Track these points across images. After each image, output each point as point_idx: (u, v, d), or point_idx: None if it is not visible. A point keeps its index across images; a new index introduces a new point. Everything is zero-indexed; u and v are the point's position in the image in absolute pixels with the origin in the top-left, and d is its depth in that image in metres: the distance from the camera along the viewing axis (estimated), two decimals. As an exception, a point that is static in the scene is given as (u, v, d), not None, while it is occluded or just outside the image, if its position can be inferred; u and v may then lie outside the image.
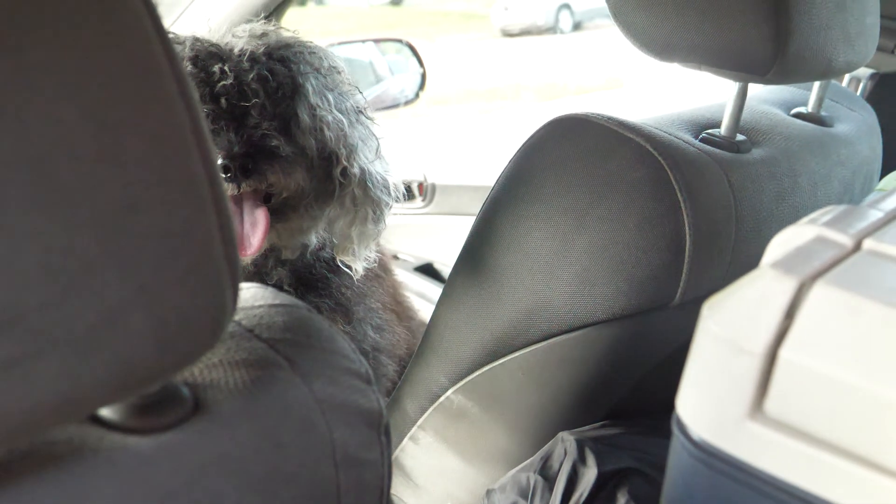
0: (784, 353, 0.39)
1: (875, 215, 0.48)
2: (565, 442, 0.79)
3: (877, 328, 0.38)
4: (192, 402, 0.40)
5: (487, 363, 0.87)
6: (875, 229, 0.46)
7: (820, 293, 0.39)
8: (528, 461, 0.81)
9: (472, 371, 0.89)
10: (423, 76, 1.60)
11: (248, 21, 0.84)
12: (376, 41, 1.74)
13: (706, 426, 0.42)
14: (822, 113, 0.98)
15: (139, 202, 0.33)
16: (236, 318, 0.44)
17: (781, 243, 0.46)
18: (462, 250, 0.90)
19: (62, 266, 0.31)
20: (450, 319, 0.92)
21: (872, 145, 1.02)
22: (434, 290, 1.75)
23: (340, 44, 1.67)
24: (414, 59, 1.76)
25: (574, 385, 0.85)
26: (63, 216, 0.31)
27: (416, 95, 1.70)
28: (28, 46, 0.30)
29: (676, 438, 0.45)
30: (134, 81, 0.33)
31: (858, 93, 1.21)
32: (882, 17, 1.10)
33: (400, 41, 1.70)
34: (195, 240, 0.35)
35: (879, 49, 1.13)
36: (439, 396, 0.93)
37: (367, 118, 0.89)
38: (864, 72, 1.19)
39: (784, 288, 0.40)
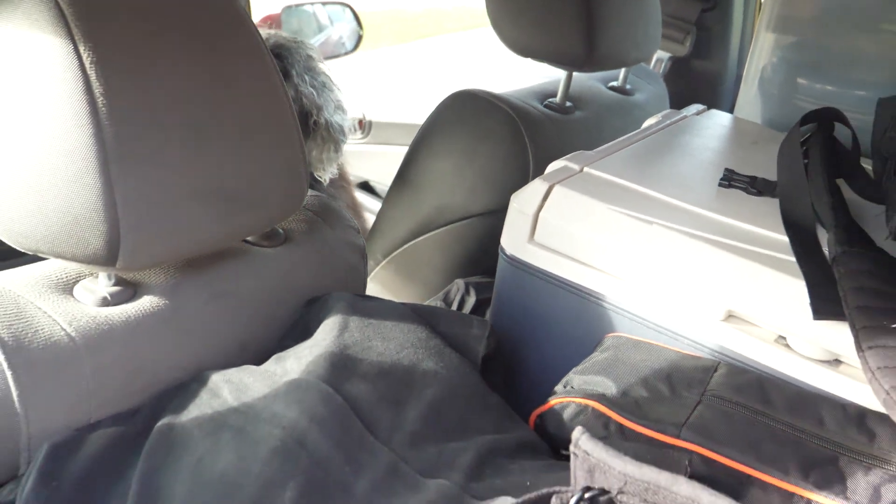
0: (542, 214, 0.86)
1: (598, 155, 0.99)
2: (458, 284, 1.13)
3: (576, 204, 0.86)
4: (284, 237, 0.71)
5: (412, 240, 1.25)
6: (593, 161, 0.97)
7: (557, 190, 0.87)
8: (436, 296, 1.20)
9: (404, 244, 1.26)
10: (360, 37, 1.95)
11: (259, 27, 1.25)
12: (323, 3, 2.09)
13: (511, 246, 0.88)
14: (627, 86, 1.42)
15: (282, 141, 0.61)
16: None
17: (551, 167, 0.96)
18: (398, 171, 1.28)
19: (264, 171, 0.62)
20: (389, 212, 1.30)
21: (660, 109, 1.41)
22: (369, 201, 2.08)
23: (295, 6, 2.03)
24: (352, 15, 2.12)
25: (465, 253, 1.23)
26: (262, 148, 0.61)
27: (353, 48, 2.02)
28: (238, 76, 0.65)
29: (500, 255, 0.92)
30: (265, 76, 0.59)
31: (661, 71, 1.62)
32: (674, 18, 1.58)
33: (343, 4, 2.06)
34: (295, 157, 0.62)
35: (673, 40, 1.62)
36: (381, 261, 1.31)
37: (330, 89, 1.27)
38: (664, 55, 1.60)
39: (543, 187, 0.87)
